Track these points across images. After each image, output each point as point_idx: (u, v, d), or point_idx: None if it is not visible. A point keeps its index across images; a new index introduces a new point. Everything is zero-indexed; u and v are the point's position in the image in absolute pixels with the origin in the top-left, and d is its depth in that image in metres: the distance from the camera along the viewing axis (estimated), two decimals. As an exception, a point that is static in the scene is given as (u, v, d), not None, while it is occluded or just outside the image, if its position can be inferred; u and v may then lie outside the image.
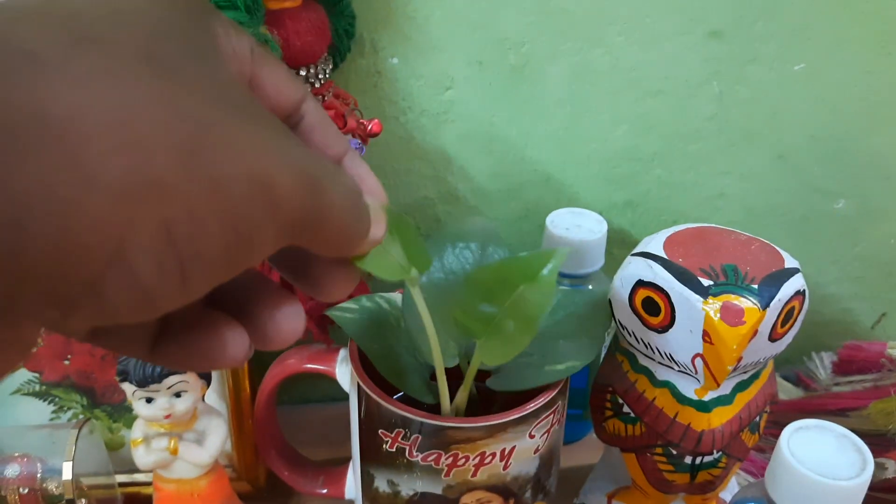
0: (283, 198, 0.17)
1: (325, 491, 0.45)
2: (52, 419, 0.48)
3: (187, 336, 0.20)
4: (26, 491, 0.41)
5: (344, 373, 0.40)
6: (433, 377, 0.35)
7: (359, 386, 0.36)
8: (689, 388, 0.37)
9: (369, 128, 0.43)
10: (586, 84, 0.51)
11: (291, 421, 0.48)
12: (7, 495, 0.41)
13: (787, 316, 0.35)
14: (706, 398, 0.37)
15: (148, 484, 0.46)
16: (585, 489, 0.47)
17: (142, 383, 0.40)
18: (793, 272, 0.35)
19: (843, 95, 0.53)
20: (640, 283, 0.36)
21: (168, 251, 0.15)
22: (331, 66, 0.44)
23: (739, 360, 0.34)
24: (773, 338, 0.35)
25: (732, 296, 0.34)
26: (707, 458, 0.38)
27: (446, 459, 0.34)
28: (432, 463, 0.34)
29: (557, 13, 0.48)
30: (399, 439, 0.34)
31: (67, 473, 0.41)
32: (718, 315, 0.33)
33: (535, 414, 0.34)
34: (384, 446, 0.35)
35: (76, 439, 0.42)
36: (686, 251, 0.36)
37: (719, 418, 0.37)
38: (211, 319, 0.20)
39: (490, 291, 0.30)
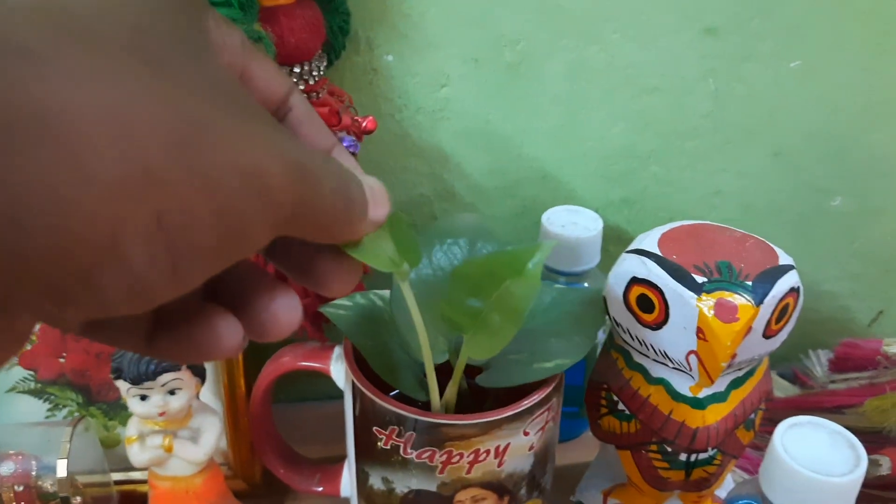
0: (274, 188, 0.17)
1: (320, 489, 0.45)
2: (47, 417, 0.48)
3: (181, 328, 0.20)
4: (21, 488, 0.41)
5: (338, 370, 0.40)
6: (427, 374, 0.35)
7: (353, 383, 0.36)
8: (683, 385, 0.37)
9: (364, 125, 0.43)
10: (582, 81, 0.51)
11: (288, 419, 0.47)
12: (2, 493, 0.41)
13: (781, 313, 0.35)
14: (701, 395, 0.37)
15: (143, 482, 0.46)
16: (581, 487, 0.47)
17: (136, 381, 0.40)
18: (787, 269, 0.35)
19: (839, 93, 0.53)
20: (635, 280, 0.36)
21: (161, 243, 0.16)
22: (325, 64, 0.44)
23: (733, 357, 0.34)
24: (767, 335, 0.35)
25: (726, 292, 0.34)
26: (702, 456, 0.38)
27: (440, 457, 0.34)
28: (427, 460, 0.34)
29: (553, 10, 0.48)
30: (393, 437, 0.34)
31: (62, 471, 0.41)
32: (712, 312, 0.33)
33: (530, 411, 0.34)
34: (378, 444, 0.35)
35: (71, 437, 0.42)
36: (680, 248, 0.36)
37: (714, 415, 0.37)
38: (205, 311, 0.20)
39: (476, 285, 0.30)
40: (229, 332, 0.20)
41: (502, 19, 0.48)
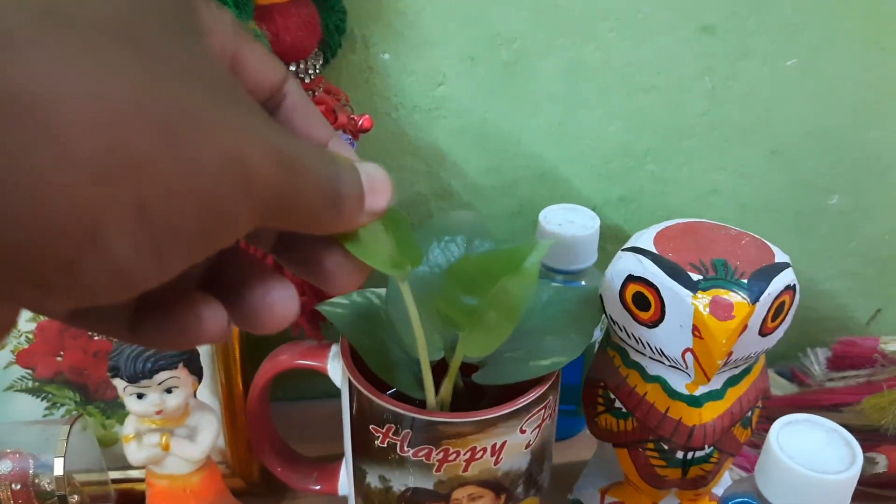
0: (257, 176, 0.17)
1: (318, 487, 0.45)
2: (45, 415, 0.48)
3: (164, 314, 0.20)
4: (18, 487, 0.41)
5: (335, 369, 0.40)
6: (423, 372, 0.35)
7: (350, 382, 0.36)
8: (680, 382, 0.37)
9: (360, 123, 0.43)
10: (579, 80, 0.51)
11: (285, 417, 0.48)
12: (-1, 491, 0.41)
13: (777, 311, 0.35)
14: (697, 393, 0.37)
15: (141, 480, 0.46)
16: (579, 485, 0.47)
17: (132, 379, 0.40)
18: (783, 267, 0.35)
19: (836, 91, 0.53)
20: (631, 278, 0.36)
21: (144, 230, 0.15)
22: (321, 62, 0.44)
23: (729, 354, 0.34)
24: (763, 332, 0.35)
25: (722, 290, 0.34)
26: (699, 453, 0.38)
27: (437, 455, 0.34)
28: (423, 458, 0.34)
29: (549, 9, 0.48)
30: (390, 435, 0.34)
31: (59, 469, 0.41)
32: (708, 309, 0.33)
33: (526, 409, 0.34)
34: (375, 442, 0.35)
35: (68, 435, 0.42)
36: (676, 246, 0.36)
37: (710, 413, 0.37)
38: (187, 297, 0.20)
39: (472, 283, 0.30)
40: (212, 317, 0.20)
41: (498, 17, 0.48)
